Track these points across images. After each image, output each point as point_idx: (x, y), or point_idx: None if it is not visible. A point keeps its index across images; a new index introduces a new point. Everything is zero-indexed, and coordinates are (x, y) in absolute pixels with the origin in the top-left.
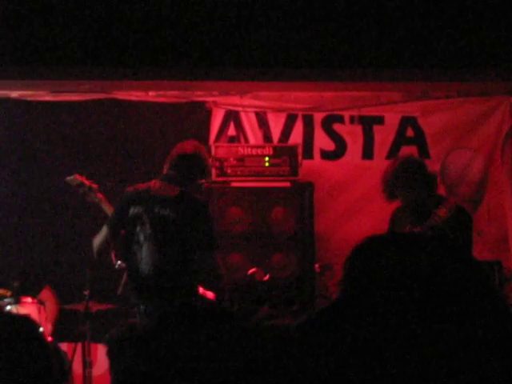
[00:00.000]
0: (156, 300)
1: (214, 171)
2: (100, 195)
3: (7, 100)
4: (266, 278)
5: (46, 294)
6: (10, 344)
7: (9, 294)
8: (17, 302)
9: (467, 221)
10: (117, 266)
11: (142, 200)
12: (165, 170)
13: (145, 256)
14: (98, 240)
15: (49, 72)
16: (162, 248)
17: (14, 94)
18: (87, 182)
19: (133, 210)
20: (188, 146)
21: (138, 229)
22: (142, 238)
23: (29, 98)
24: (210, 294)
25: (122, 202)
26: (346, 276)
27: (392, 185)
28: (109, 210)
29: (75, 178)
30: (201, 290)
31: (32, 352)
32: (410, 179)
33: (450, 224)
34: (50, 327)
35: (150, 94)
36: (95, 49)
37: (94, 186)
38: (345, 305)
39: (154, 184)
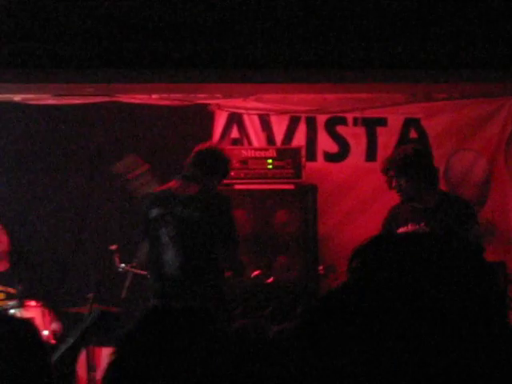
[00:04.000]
0: (181, 301)
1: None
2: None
3: (10, 103)
4: (270, 280)
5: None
6: (8, 347)
7: (11, 293)
8: (21, 305)
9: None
10: (120, 270)
11: (162, 201)
12: (185, 170)
13: (169, 257)
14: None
15: (52, 75)
16: (186, 248)
17: (17, 98)
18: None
19: (154, 212)
20: (206, 144)
21: (161, 230)
22: (165, 239)
23: (32, 102)
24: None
25: (142, 208)
26: (350, 276)
27: (386, 171)
28: None
29: (130, 160)
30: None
31: (30, 356)
32: (402, 165)
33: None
34: (58, 328)
35: (153, 96)
36: (98, 52)
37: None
38: (346, 305)
39: (174, 184)
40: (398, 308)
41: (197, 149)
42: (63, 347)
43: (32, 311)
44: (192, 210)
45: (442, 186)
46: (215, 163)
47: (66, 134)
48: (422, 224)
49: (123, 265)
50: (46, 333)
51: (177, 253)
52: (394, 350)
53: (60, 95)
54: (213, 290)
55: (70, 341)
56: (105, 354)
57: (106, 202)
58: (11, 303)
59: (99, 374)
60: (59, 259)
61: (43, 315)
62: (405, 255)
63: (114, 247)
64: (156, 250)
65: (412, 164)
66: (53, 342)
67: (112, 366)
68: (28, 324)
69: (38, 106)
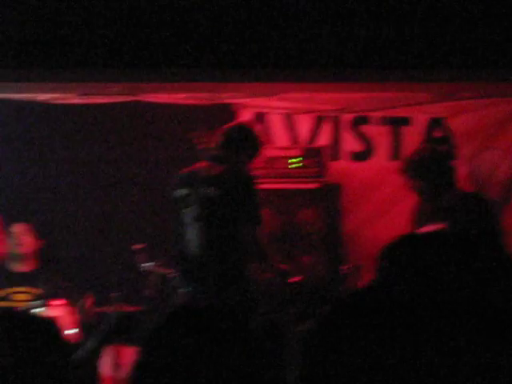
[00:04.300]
0: (205, 281)
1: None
2: None
3: (34, 103)
4: (295, 279)
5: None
6: (30, 346)
7: (36, 294)
8: (46, 304)
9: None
10: (144, 269)
11: (187, 182)
12: (212, 150)
13: (193, 237)
14: None
15: (77, 75)
16: (209, 227)
17: (42, 97)
18: None
19: (179, 193)
20: (232, 123)
21: (185, 210)
22: (189, 218)
23: (57, 101)
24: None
25: (169, 190)
26: (379, 274)
27: (405, 171)
28: None
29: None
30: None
31: (51, 355)
32: (418, 165)
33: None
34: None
35: (178, 95)
36: (123, 51)
37: None
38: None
39: (200, 164)
40: (429, 306)
41: (224, 128)
42: (85, 349)
43: (57, 310)
44: (214, 190)
45: (468, 185)
46: (241, 141)
47: (91, 133)
48: (442, 223)
49: (147, 264)
50: (71, 332)
51: (199, 232)
52: (423, 347)
53: (85, 94)
54: (235, 271)
55: (91, 344)
56: (129, 353)
57: (131, 200)
58: (36, 302)
59: (124, 373)
60: (84, 258)
61: (69, 314)
62: (433, 254)
63: (137, 247)
64: (180, 230)
65: (428, 164)
66: (77, 341)
67: (137, 365)
68: (50, 323)
69: (63, 106)
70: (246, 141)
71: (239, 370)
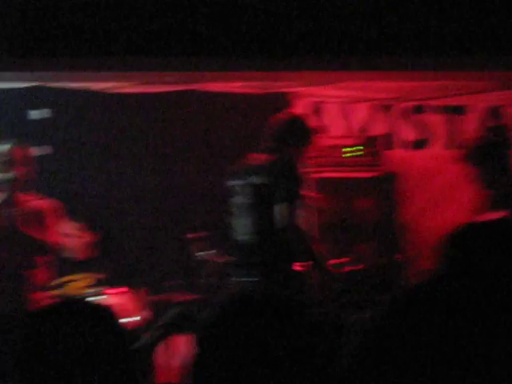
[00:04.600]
0: (256, 270)
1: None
2: None
3: (88, 92)
4: (350, 268)
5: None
6: (87, 334)
7: (93, 282)
8: (105, 292)
9: None
10: (199, 257)
11: (237, 172)
12: (263, 141)
13: (240, 225)
14: None
15: (133, 64)
16: (255, 216)
17: (96, 87)
18: None
19: (230, 183)
20: (282, 114)
21: (234, 199)
22: (237, 207)
23: (111, 91)
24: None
25: (225, 180)
26: (443, 261)
27: (462, 160)
28: None
29: None
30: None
31: (108, 343)
32: (475, 154)
33: None
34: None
35: (235, 84)
36: (180, 40)
37: None
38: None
39: (251, 156)
40: (499, 295)
41: (273, 119)
42: (146, 338)
43: (116, 298)
44: (260, 179)
45: None
46: (290, 133)
47: (147, 122)
48: (503, 211)
49: (203, 252)
50: (131, 320)
51: (246, 221)
52: (492, 341)
53: (141, 83)
54: (285, 261)
55: (153, 333)
56: (186, 342)
57: (189, 189)
58: (95, 290)
59: (179, 362)
60: (143, 246)
61: (128, 302)
62: (499, 242)
63: (193, 235)
64: (230, 220)
65: (487, 152)
66: (136, 328)
67: (196, 354)
68: (108, 311)
69: (119, 95)
70: (296, 132)
71: (297, 360)
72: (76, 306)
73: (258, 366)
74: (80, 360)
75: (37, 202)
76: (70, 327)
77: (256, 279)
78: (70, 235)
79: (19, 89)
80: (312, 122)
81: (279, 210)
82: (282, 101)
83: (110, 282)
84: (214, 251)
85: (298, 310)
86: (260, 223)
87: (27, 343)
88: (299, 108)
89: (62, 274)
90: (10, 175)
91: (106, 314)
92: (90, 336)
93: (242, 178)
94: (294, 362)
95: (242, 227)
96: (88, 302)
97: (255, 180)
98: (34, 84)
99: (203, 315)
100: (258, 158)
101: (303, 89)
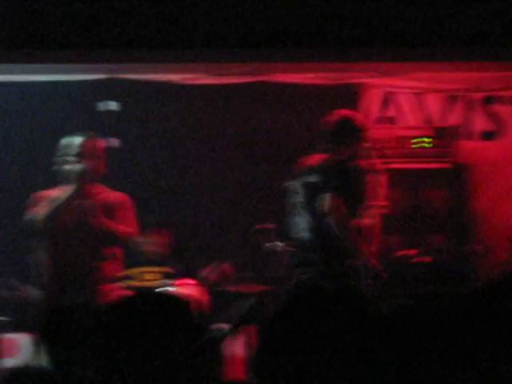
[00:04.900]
0: (312, 267)
1: (372, 153)
2: None
3: (168, 84)
4: (426, 259)
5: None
6: (164, 324)
7: (164, 274)
8: (175, 283)
9: None
10: (267, 249)
11: (298, 173)
12: (321, 141)
13: (300, 225)
14: None
15: (207, 55)
16: (314, 214)
17: (176, 78)
18: None
19: (291, 183)
20: (332, 115)
21: (293, 198)
22: (296, 206)
23: (187, 82)
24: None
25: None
26: None
27: None
28: None
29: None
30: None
31: (183, 332)
32: None
33: None
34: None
35: (306, 76)
36: (252, 31)
37: None
38: None
39: (311, 156)
40: None
41: (325, 120)
42: (215, 331)
43: (187, 290)
44: (317, 179)
45: None
46: (341, 133)
47: (217, 114)
48: None
49: (272, 243)
50: (201, 311)
51: (305, 219)
52: None
53: (215, 75)
54: (342, 258)
55: (232, 324)
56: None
57: (260, 180)
58: (164, 281)
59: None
60: (213, 238)
61: (197, 294)
62: None
63: (261, 226)
64: (291, 218)
65: None
66: (205, 320)
67: (261, 345)
68: (184, 302)
69: (188, 87)
70: (347, 131)
71: (364, 352)
72: (153, 297)
73: (325, 357)
74: (157, 349)
75: (106, 194)
76: (148, 317)
77: (319, 274)
78: (143, 232)
79: (91, 81)
80: (387, 112)
81: (333, 207)
82: (352, 92)
83: (179, 275)
84: (282, 243)
85: (367, 301)
86: (315, 223)
87: (108, 333)
88: (374, 98)
89: (130, 267)
90: (80, 167)
91: (183, 305)
92: (167, 326)
93: (300, 177)
94: (361, 355)
95: (301, 225)
96: (165, 293)
97: (313, 179)
98: (106, 76)
99: (270, 306)
100: (316, 157)
101: (374, 80)
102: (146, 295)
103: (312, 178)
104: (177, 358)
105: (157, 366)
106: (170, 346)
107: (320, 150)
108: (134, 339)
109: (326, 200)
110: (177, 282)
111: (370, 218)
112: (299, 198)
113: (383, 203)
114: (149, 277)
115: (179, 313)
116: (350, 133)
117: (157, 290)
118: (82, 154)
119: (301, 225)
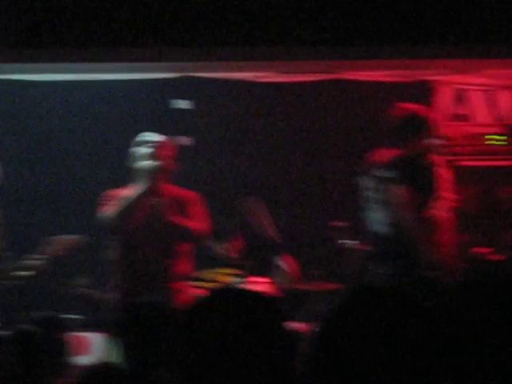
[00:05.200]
0: (388, 262)
1: (443, 150)
2: None
3: (239, 82)
4: (499, 257)
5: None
6: (249, 320)
7: (238, 274)
8: (248, 280)
9: None
10: (341, 246)
11: (369, 168)
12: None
13: (373, 220)
14: None
15: (275, 53)
16: (388, 208)
17: (245, 76)
18: None
19: (364, 179)
20: (398, 110)
21: (367, 193)
22: (369, 203)
23: (259, 80)
24: None
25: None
26: None
27: None
28: None
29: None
30: None
31: (271, 332)
32: None
33: None
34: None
35: (379, 73)
36: (326, 29)
37: None
38: None
39: (381, 151)
40: None
41: (392, 115)
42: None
43: (260, 287)
44: (390, 173)
45: None
46: (408, 128)
47: (290, 111)
48: None
49: (346, 241)
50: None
51: (379, 214)
52: None
53: (287, 72)
54: (415, 253)
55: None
56: None
57: (332, 177)
58: (239, 279)
59: None
60: (283, 236)
61: (272, 292)
62: None
63: (336, 224)
64: (364, 213)
65: None
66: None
67: (314, 343)
68: (269, 297)
69: (261, 85)
70: (415, 126)
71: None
72: (239, 294)
73: (378, 358)
74: (241, 348)
75: (177, 191)
76: (235, 314)
77: (391, 272)
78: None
79: (164, 79)
80: (458, 109)
81: (406, 200)
82: (425, 89)
83: (251, 273)
84: (355, 241)
85: (418, 304)
86: (389, 216)
87: (191, 332)
88: (444, 96)
89: (202, 269)
90: (153, 165)
91: (268, 301)
92: (254, 323)
93: (372, 172)
94: (412, 360)
95: (374, 220)
96: (250, 290)
97: (385, 174)
98: (179, 74)
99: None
100: (387, 152)
101: (447, 77)
102: (231, 291)
103: (384, 173)
104: (260, 357)
105: (239, 366)
106: (255, 345)
107: (390, 144)
108: (218, 336)
109: (399, 194)
110: (252, 279)
111: (441, 211)
112: (372, 193)
113: (454, 197)
114: (221, 278)
115: (267, 310)
116: (418, 127)
117: (238, 287)
118: (154, 153)
119: (374, 220)
